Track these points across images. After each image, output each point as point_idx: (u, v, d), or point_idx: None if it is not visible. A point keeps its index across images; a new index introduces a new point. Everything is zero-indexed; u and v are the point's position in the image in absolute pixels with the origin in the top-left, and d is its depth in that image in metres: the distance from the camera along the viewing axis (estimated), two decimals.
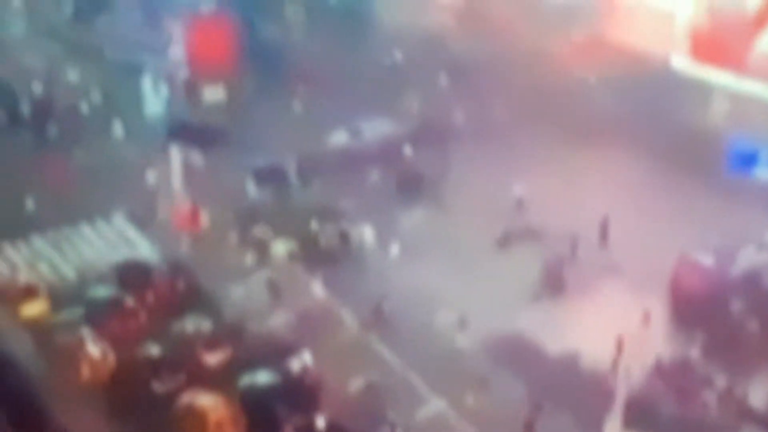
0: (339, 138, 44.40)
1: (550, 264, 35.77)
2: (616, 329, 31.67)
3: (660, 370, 31.25)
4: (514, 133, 44.48)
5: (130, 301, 33.47)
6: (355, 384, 30.77)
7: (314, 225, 38.11)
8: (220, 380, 30.35)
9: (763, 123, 41.74)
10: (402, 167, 42.83)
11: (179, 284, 34.64)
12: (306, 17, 57.36)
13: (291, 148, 42.93)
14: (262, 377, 30.36)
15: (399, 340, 32.86)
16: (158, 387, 30.37)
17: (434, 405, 30.36)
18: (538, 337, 32.88)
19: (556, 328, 33.48)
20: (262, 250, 37.37)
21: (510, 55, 49.80)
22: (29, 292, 33.98)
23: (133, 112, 46.59)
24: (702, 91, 45.40)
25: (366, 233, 38.01)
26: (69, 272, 36.39)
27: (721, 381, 30.79)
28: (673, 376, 31.25)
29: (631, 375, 29.88)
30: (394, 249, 37.52)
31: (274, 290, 34.86)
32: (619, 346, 31.17)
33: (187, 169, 40.15)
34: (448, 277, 35.28)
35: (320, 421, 29.14)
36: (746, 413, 30.10)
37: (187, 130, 44.00)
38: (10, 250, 37.16)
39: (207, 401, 29.11)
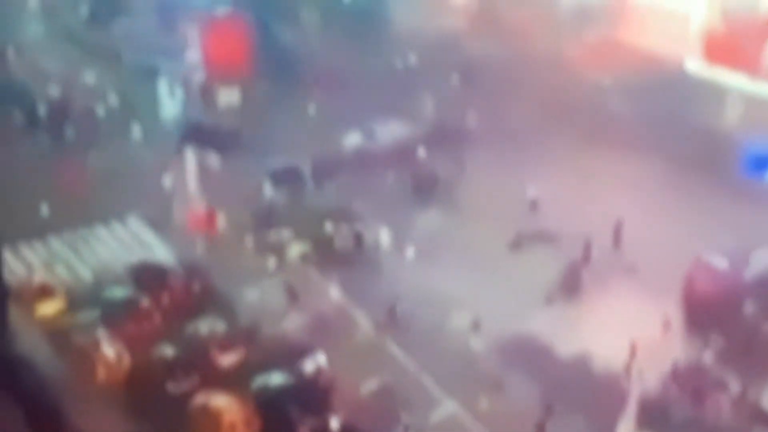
0: (353, 140, 44.54)
1: (569, 266, 35.73)
2: (630, 332, 31.65)
3: (673, 373, 31.20)
4: (528, 136, 44.50)
5: (145, 303, 33.68)
6: (369, 386, 30.85)
7: (329, 227, 38.23)
8: (234, 381, 30.51)
9: None
10: (416, 169, 42.93)
11: (194, 286, 34.84)
12: (320, 19, 57.53)
13: (306, 150, 43.09)
14: (276, 378, 30.50)
15: (413, 341, 32.94)
16: (173, 388, 30.57)
17: (447, 407, 30.43)
18: (552, 340, 32.88)
19: (570, 330, 33.48)
20: (277, 251, 37.54)
21: (524, 57, 49.79)
22: (44, 292, 34.26)
23: (149, 115, 46.87)
24: (716, 93, 45.28)
25: (382, 235, 38.10)
26: (85, 274, 36.66)
27: (734, 384, 30.71)
28: (687, 379, 31.17)
29: (645, 377, 29.84)
30: (409, 251, 37.60)
31: (291, 293, 34.98)
32: (633, 350, 31.15)
33: (203, 171, 40.36)
34: (462, 279, 35.31)
35: (334, 423, 29.26)
36: (759, 416, 30.02)
37: (201, 133, 44.21)
38: (27, 251, 37.45)
39: (221, 402, 29.30)
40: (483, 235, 37.90)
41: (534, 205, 39.64)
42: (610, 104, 46.27)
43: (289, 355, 31.67)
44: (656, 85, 45.37)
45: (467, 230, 38.64)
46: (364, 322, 34.06)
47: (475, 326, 33.21)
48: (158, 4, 55.83)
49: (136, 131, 46.03)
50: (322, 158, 42.86)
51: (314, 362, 31.39)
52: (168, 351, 31.64)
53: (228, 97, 49.10)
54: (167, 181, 40.86)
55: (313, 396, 30.36)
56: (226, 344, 31.94)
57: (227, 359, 31.59)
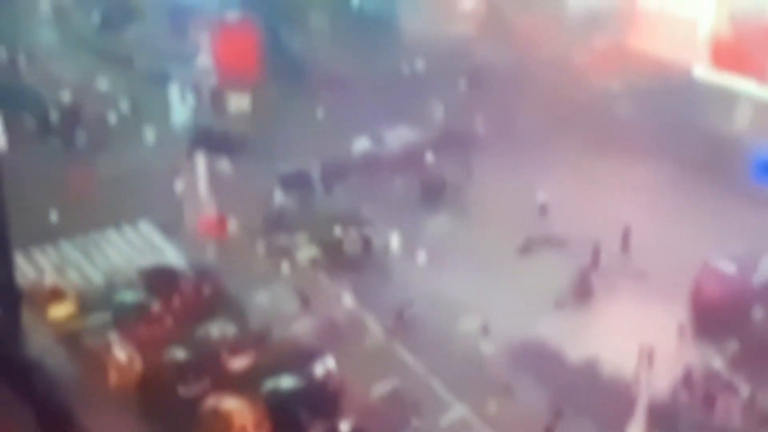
0: (362, 145, 44.72)
1: (580, 272, 35.79)
2: (638, 337, 31.59)
3: (683, 378, 31.23)
4: (537, 141, 44.58)
5: (156, 306, 33.86)
6: (379, 389, 30.95)
7: (338, 231, 38.38)
8: (244, 385, 30.61)
9: None
10: (425, 174, 43.06)
11: (205, 289, 35.01)
12: (330, 25, 57.76)
13: (315, 155, 43.27)
14: (286, 382, 30.61)
15: (422, 345, 33.04)
16: (184, 391, 30.70)
17: (457, 410, 30.52)
18: (560, 344, 32.94)
19: (578, 334, 33.56)
20: (287, 255, 37.70)
21: (532, 62, 49.91)
22: (56, 295, 34.47)
23: (160, 121, 47.09)
24: (725, 99, 45.32)
25: (391, 239, 38.22)
26: (97, 277, 36.88)
27: (743, 389, 30.71)
28: (696, 384, 31.22)
29: (654, 382, 29.84)
30: (418, 255, 37.70)
31: (302, 297, 35.12)
32: (642, 355, 31.14)
33: (213, 176, 40.56)
34: (471, 283, 35.41)
35: (343, 426, 29.37)
36: None
37: (210, 138, 44.44)
38: (39, 256, 37.70)
39: (231, 405, 29.43)
40: (492, 240, 38.00)
41: (543, 210, 39.73)
42: (619, 110, 46.35)
43: (299, 358, 31.78)
44: (665, 90, 45.45)
45: (476, 234, 38.74)
46: (373, 326, 34.18)
47: (485, 330, 33.31)
48: (169, 11, 56.11)
49: (148, 136, 46.29)
50: (332, 163, 43.04)
51: (324, 366, 31.49)
52: (179, 354, 31.79)
53: (238, 102, 49.33)
54: (178, 185, 41.06)
55: (322, 400, 30.45)
56: (236, 348, 32.09)
57: (238, 363, 31.73)
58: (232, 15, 53.13)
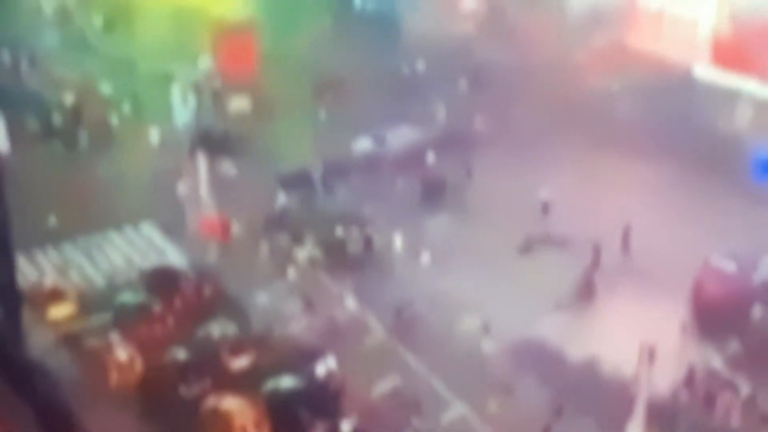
0: (363, 145, 44.79)
1: (584, 273, 35.81)
2: (639, 336, 31.61)
3: (683, 377, 31.22)
4: (537, 140, 44.61)
5: (157, 307, 33.97)
6: (379, 389, 31.02)
7: (339, 231, 38.46)
8: (245, 385, 30.67)
9: None
10: (426, 174, 43.13)
11: (206, 290, 35.10)
12: (331, 26, 57.84)
13: (316, 155, 43.35)
14: (287, 382, 30.68)
15: (423, 345, 33.10)
16: (185, 391, 30.78)
17: (457, 410, 30.57)
18: (561, 343, 32.98)
19: (579, 333, 33.60)
20: (288, 255, 37.78)
21: (533, 62, 49.98)
22: (56, 295, 34.58)
23: (162, 122, 47.18)
24: (726, 97, 45.33)
25: (392, 239, 38.27)
26: (98, 278, 37.02)
27: (744, 388, 30.69)
28: (696, 383, 31.22)
29: (654, 381, 29.84)
30: (418, 255, 37.72)
31: (304, 297, 35.17)
32: (642, 354, 31.13)
33: (214, 177, 40.65)
34: (472, 283, 35.45)
35: (344, 426, 29.42)
36: None
37: (211, 139, 44.52)
38: (41, 257, 37.82)
39: (232, 405, 29.51)
40: (493, 239, 38.04)
41: (545, 207, 39.74)
42: (620, 109, 46.37)
43: (300, 358, 31.84)
44: (665, 89, 45.50)
45: (477, 234, 38.78)
46: (374, 326, 34.25)
47: (485, 329, 33.35)
48: (171, 13, 56.24)
49: (149, 138, 46.40)
50: (333, 163, 43.12)
51: (325, 366, 31.54)
52: (180, 354, 31.88)
53: (239, 103, 49.44)
54: (180, 187, 41.16)
55: (323, 399, 30.50)
56: (237, 348, 32.17)
57: (239, 363, 31.80)
58: (234, 16, 53.21)
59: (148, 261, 37.58)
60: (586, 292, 35.47)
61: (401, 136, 45.08)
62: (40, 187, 41.28)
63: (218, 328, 33.02)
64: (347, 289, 35.76)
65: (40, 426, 27.55)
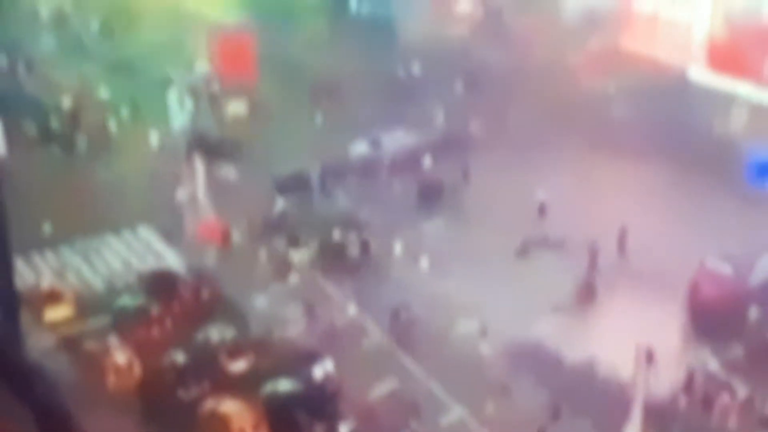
0: (360, 149, 44.89)
1: (583, 276, 35.91)
2: (636, 338, 31.73)
3: (679, 379, 31.33)
4: (533, 143, 44.71)
5: (156, 310, 34.04)
6: (377, 392, 31.09)
7: (336, 234, 38.55)
8: (243, 387, 30.73)
9: None
10: (422, 177, 43.25)
11: (204, 293, 35.18)
12: (327, 29, 57.95)
13: (313, 159, 43.44)
14: (285, 385, 30.76)
15: (421, 348, 33.19)
16: (183, 394, 30.83)
17: (455, 412, 30.65)
18: (558, 346, 33.07)
19: (576, 336, 33.71)
20: (285, 259, 37.85)
21: (529, 65, 50.14)
22: (53, 297, 34.62)
23: (160, 126, 47.24)
24: (721, 101, 45.52)
25: (390, 242, 38.35)
26: (96, 282, 37.07)
27: (741, 390, 30.79)
28: (693, 385, 31.32)
29: (651, 384, 29.94)
30: (416, 257, 37.83)
31: (301, 301, 35.24)
32: (639, 357, 31.24)
33: (212, 181, 40.73)
34: (469, 286, 35.55)
35: (342, 429, 29.50)
36: (766, 422, 30.12)
37: (208, 143, 44.60)
38: (39, 261, 37.86)
39: (231, 408, 29.57)
40: (489, 242, 38.15)
41: (542, 209, 39.85)
42: (615, 112, 46.53)
43: (298, 361, 31.91)
44: (661, 92, 45.66)
45: (474, 237, 38.89)
46: (371, 329, 34.33)
47: (483, 332, 33.44)
48: (168, 17, 56.31)
49: (147, 142, 46.47)
50: (329, 167, 43.21)
51: (323, 369, 31.62)
52: (178, 357, 31.92)
53: (236, 107, 49.51)
54: (178, 191, 41.20)
55: (321, 402, 30.58)
56: (235, 351, 32.21)
57: (237, 366, 31.86)
58: (231, 20, 53.31)
59: (146, 264, 37.65)
60: (586, 295, 35.56)
61: (398, 140, 45.20)
62: (38, 190, 41.33)
63: (216, 332, 33.07)
64: (344, 293, 35.85)
65: (38, 429, 27.55)
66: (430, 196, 41.99)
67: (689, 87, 46.64)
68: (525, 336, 33.50)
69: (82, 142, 46.76)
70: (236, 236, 39.18)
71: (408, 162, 43.93)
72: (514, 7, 55.04)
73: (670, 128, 44.28)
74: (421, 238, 39.00)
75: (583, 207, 39.50)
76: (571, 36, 51.14)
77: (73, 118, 48.12)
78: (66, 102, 49.27)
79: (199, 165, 40.27)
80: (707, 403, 30.67)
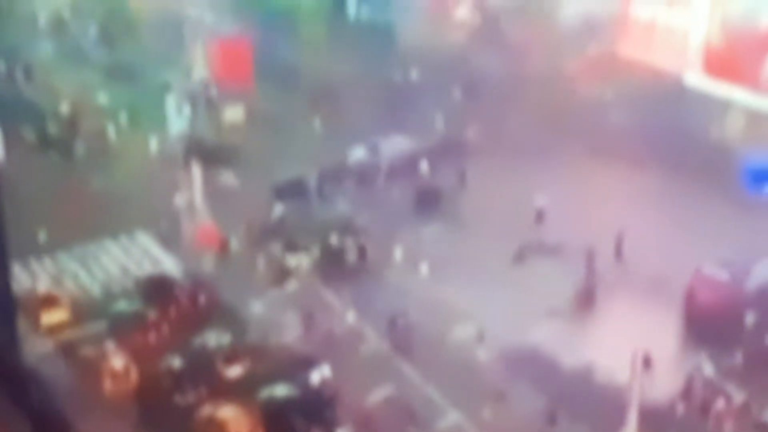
0: (357, 154, 44.98)
1: (583, 280, 35.97)
2: (632, 344, 31.76)
3: (675, 385, 31.37)
4: (530, 149, 44.76)
5: (153, 316, 34.09)
6: (374, 397, 31.12)
7: (334, 240, 38.61)
8: (240, 393, 30.79)
9: None
10: (420, 183, 43.34)
11: (201, 299, 35.23)
12: (325, 35, 58.08)
13: (311, 164, 43.53)
14: (282, 390, 30.80)
15: (418, 353, 33.21)
16: (180, 399, 30.88)
17: (452, 418, 30.69)
18: (555, 351, 33.12)
19: (572, 342, 33.77)
20: (283, 264, 37.90)
21: (526, 71, 50.28)
22: (49, 301, 34.67)
23: (158, 132, 47.30)
24: (717, 107, 45.64)
25: (388, 248, 38.42)
26: (94, 287, 37.11)
27: (737, 396, 30.82)
28: (688, 391, 31.38)
29: (647, 389, 30.00)
30: (413, 263, 37.87)
31: (298, 306, 35.28)
32: (635, 363, 31.29)
33: (209, 187, 40.79)
34: (466, 291, 35.59)
35: None
36: (762, 429, 30.14)
37: (206, 150, 44.69)
38: (36, 266, 37.90)
39: (227, 413, 29.62)
40: (486, 248, 38.18)
41: (540, 215, 39.94)
42: (612, 118, 46.65)
43: (295, 366, 31.97)
44: (657, 98, 45.79)
45: (471, 243, 38.93)
46: (368, 334, 34.36)
47: (479, 338, 33.48)
48: (166, 23, 56.41)
49: (145, 148, 46.54)
50: (327, 172, 43.30)
51: (320, 374, 31.66)
52: (175, 363, 31.97)
53: (233, 113, 49.62)
54: (175, 196, 41.26)
55: (318, 408, 30.62)
56: (232, 356, 32.28)
57: (234, 371, 31.92)
58: (228, 27, 53.44)
59: (143, 270, 37.70)
60: (582, 300, 35.63)
61: (395, 145, 45.29)
62: (36, 196, 41.37)
63: (213, 337, 33.13)
64: (342, 298, 35.88)
65: None
66: (428, 202, 42.07)
67: (686, 93, 46.77)
68: (522, 341, 33.55)
69: (80, 147, 46.86)
70: (234, 242, 39.21)
71: (406, 168, 44.04)
72: (511, 13, 55.19)
73: (666, 134, 44.39)
74: (418, 244, 39.05)
75: (579, 213, 39.57)
76: (569, 42, 51.30)
77: (72, 124, 48.22)
78: (64, 108, 49.36)
79: (197, 171, 40.34)
80: (703, 408, 30.71)
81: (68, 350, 33.25)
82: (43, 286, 35.97)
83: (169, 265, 38.28)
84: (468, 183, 43.15)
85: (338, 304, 35.74)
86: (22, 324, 32.18)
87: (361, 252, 38.47)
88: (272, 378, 31.19)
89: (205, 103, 49.83)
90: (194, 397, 30.84)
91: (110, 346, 32.59)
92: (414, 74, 52.77)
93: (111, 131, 48.21)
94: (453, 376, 32.04)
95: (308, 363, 32.08)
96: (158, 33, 55.62)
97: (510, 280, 36.60)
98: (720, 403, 30.65)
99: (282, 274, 37.45)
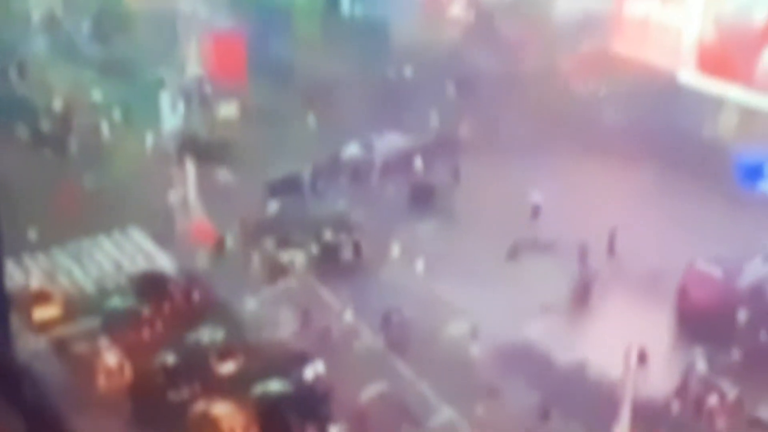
0: (352, 151, 45.00)
1: (582, 276, 36.02)
2: (625, 340, 31.85)
3: (668, 381, 31.47)
4: (524, 146, 44.85)
5: (146, 312, 34.09)
6: (368, 394, 31.16)
7: (327, 236, 38.64)
8: (234, 389, 30.83)
9: None
10: (414, 179, 43.39)
11: (195, 295, 35.23)
12: (319, 32, 58.05)
13: (304, 161, 43.54)
14: (276, 386, 30.84)
15: (411, 349, 33.28)
16: (174, 396, 30.91)
17: (445, 414, 30.75)
18: (548, 347, 33.21)
19: (566, 338, 33.86)
20: (277, 261, 37.92)
21: (520, 68, 50.36)
22: (41, 297, 34.64)
23: (152, 128, 47.26)
24: (710, 104, 45.76)
25: (384, 245, 38.47)
26: (87, 283, 37.09)
27: (730, 393, 30.92)
28: (681, 387, 31.48)
29: (640, 386, 30.08)
30: (408, 260, 37.93)
31: (292, 302, 35.31)
32: (628, 359, 31.37)
33: (203, 183, 40.78)
34: (460, 287, 35.65)
35: (332, 431, 29.57)
36: (755, 426, 30.24)
37: (199, 146, 44.68)
38: (30, 263, 37.85)
39: (221, 410, 29.64)
40: (480, 245, 38.26)
41: (536, 211, 40.02)
42: (606, 115, 46.75)
43: (289, 363, 31.99)
44: (651, 95, 45.88)
45: (465, 240, 39.01)
46: (362, 331, 34.41)
47: (473, 334, 33.55)
48: (160, 19, 56.29)
49: (139, 144, 46.49)
50: (321, 169, 43.32)
51: (313, 370, 31.71)
52: (169, 359, 31.98)
53: (227, 110, 49.59)
54: (168, 192, 41.25)
55: (312, 404, 30.66)
56: (226, 352, 32.30)
57: (227, 367, 31.95)
58: (222, 23, 53.37)
59: (137, 266, 37.69)
60: (575, 297, 35.71)
61: (389, 142, 45.33)
62: (30, 192, 41.34)
63: (207, 333, 33.13)
64: (336, 295, 35.92)
65: (28, 430, 27.47)
66: (422, 199, 42.13)
67: (679, 90, 46.87)
68: (515, 338, 33.64)
69: (73, 144, 46.78)
70: (228, 239, 39.19)
71: (400, 165, 44.08)
72: (505, 11, 55.24)
73: (660, 131, 44.50)
74: (412, 241, 39.10)
75: (572, 210, 39.64)
76: (563, 40, 51.37)
77: (65, 121, 48.13)
78: (58, 104, 49.27)
79: (191, 167, 40.32)
80: (696, 404, 30.82)
81: (62, 347, 33.23)
82: (35, 282, 35.92)
83: (163, 262, 38.28)
84: (462, 180, 43.21)
85: (332, 300, 35.79)
86: (16, 320, 32.20)
87: (356, 248, 38.51)
88: (266, 374, 31.21)
89: (199, 100, 49.78)
90: (188, 394, 30.86)
91: (104, 342, 32.58)
92: (408, 71, 52.79)
93: (105, 128, 48.14)
94: (447, 372, 32.10)
95: (302, 359, 32.11)
96: (152, 29, 55.49)
97: (504, 276, 36.68)
98: (713, 400, 30.74)
99: (276, 271, 37.47)
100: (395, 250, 38.42)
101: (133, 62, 53.00)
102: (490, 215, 39.87)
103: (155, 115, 48.25)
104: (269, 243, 38.58)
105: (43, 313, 34.18)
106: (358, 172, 43.78)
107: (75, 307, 35.06)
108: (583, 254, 36.97)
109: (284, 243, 38.48)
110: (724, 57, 45.53)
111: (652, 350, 31.79)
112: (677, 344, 33.84)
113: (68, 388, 31.22)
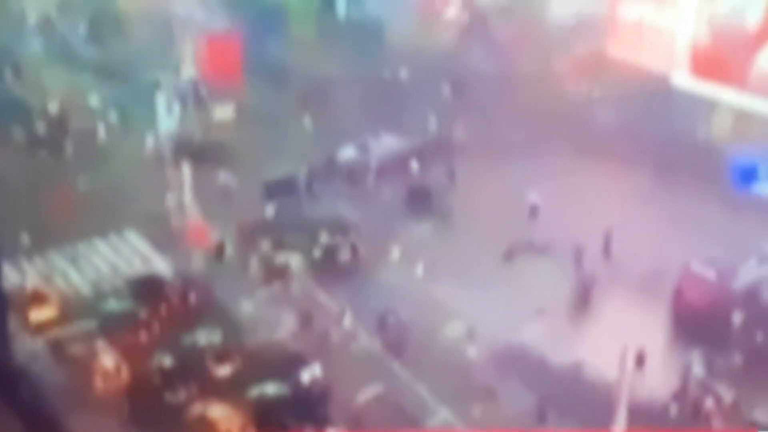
0: (347, 153, 45.06)
1: (581, 278, 36.11)
2: (621, 342, 31.97)
3: (663, 383, 31.59)
4: (519, 148, 44.98)
5: (143, 314, 34.13)
6: (365, 395, 31.23)
7: (324, 238, 38.70)
8: (230, 391, 30.91)
9: (765, 138, 42.26)
10: (410, 181, 43.47)
11: (192, 297, 35.28)
12: (315, 34, 58.08)
13: (300, 163, 43.59)
14: (272, 389, 30.91)
15: (408, 351, 33.35)
16: (170, 398, 30.98)
17: (442, 416, 30.83)
18: (544, 349, 33.32)
19: (562, 340, 33.97)
20: (273, 263, 37.96)
21: (514, 70, 50.47)
22: (37, 299, 34.65)
23: (148, 130, 47.23)
24: (704, 106, 45.93)
25: (380, 247, 38.53)
26: (84, 286, 37.09)
27: (725, 394, 31.08)
28: (677, 389, 31.61)
29: (636, 387, 30.21)
30: (403, 261, 38.02)
31: (288, 305, 35.35)
32: (624, 360, 31.49)
33: (199, 185, 40.77)
34: (457, 289, 35.74)
35: None
36: (750, 427, 30.37)
37: (195, 148, 44.69)
38: (26, 265, 37.84)
39: (218, 412, 29.74)
40: (476, 247, 38.37)
41: (534, 211, 40.13)
42: (600, 117, 46.90)
43: (286, 365, 32.07)
44: (645, 98, 46.04)
45: (461, 242, 39.12)
46: (359, 333, 34.47)
47: (470, 336, 33.64)
48: (156, 21, 56.29)
49: (135, 146, 46.47)
50: (317, 171, 43.37)
51: (310, 373, 31.77)
52: (166, 361, 32.04)
53: (223, 112, 49.60)
54: (165, 195, 41.24)
55: (308, 406, 30.74)
56: (223, 355, 32.36)
57: (224, 369, 32.01)
58: (218, 25, 53.37)
59: (133, 268, 37.70)
60: (571, 299, 35.83)
61: (385, 144, 45.41)
62: (26, 195, 41.30)
63: (204, 336, 33.21)
64: (333, 297, 35.97)
65: (26, 431, 27.42)
66: (418, 201, 42.21)
67: (673, 93, 47.04)
68: (512, 339, 33.76)
69: (69, 146, 46.73)
70: (224, 241, 39.17)
71: (396, 166, 44.17)
72: (500, 13, 55.37)
73: (654, 133, 44.67)
74: (409, 243, 39.18)
75: (567, 212, 39.77)
76: (557, 42, 51.52)
77: (61, 123, 48.06)
78: (54, 107, 49.17)
79: (187, 169, 40.34)
80: (692, 406, 30.94)
81: (58, 348, 33.24)
82: (31, 282, 35.91)
83: (160, 264, 38.29)
84: (457, 181, 43.30)
85: (329, 302, 35.83)
86: (13, 322, 32.24)
87: (352, 250, 38.58)
88: (263, 376, 31.30)
89: (194, 102, 49.75)
90: (185, 396, 30.94)
91: (100, 344, 32.63)
92: (403, 73, 52.86)
93: (100, 130, 48.09)
94: (444, 374, 32.22)
95: (299, 361, 32.20)
96: (148, 31, 55.44)
97: (500, 278, 36.80)
98: (709, 402, 30.88)
99: (272, 273, 37.51)
100: (391, 252, 38.50)
101: (128, 64, 52.97)
102: (486, 217, 39.98)
103: (151, 118, 48.20)
104: (265, 245, 38.63)
105: (40, 315, 34.21)
106: (354, 174, 43.85)
107: (72, 309, 35.09)
108: (578, 256, 37.10)
109: (280, 245, 38.53)
110: (718, 59, 45.70)
111: (648, 352, 31.98)
112: (673, 346, 33.98)
113: (65, 390, 31.30)
